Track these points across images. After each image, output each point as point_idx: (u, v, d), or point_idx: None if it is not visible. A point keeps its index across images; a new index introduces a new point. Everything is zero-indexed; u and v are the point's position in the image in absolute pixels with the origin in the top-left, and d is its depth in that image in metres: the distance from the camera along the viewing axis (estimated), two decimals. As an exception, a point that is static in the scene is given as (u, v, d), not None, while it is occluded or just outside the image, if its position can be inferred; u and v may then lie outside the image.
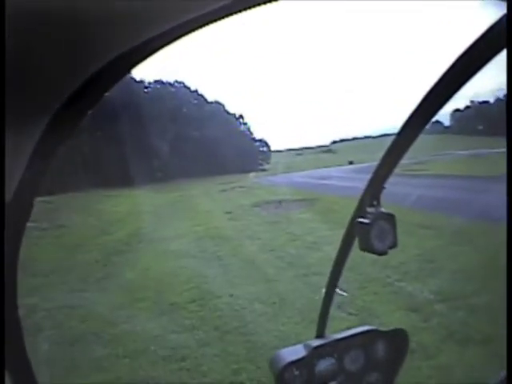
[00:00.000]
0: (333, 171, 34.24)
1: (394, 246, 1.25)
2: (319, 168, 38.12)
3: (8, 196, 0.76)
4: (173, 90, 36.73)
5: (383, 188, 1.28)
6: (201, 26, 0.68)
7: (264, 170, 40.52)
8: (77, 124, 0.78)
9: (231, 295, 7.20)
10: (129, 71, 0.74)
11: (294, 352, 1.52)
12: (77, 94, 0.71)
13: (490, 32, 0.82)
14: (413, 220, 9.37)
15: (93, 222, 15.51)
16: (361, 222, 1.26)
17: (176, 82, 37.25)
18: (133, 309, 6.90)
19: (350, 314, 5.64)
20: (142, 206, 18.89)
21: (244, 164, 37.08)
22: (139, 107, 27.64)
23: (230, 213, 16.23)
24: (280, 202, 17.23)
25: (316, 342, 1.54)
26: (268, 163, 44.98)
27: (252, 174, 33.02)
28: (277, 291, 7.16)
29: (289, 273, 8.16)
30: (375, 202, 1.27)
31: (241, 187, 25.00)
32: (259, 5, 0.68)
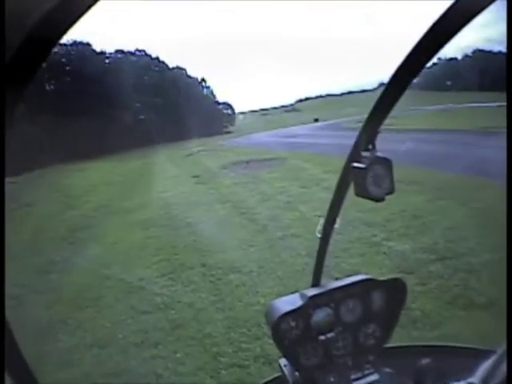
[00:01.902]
0: (299, 129, 34.56)
1: (391, 192, 1.22)
2: (285, 127, 38.21)
3: None
4: (134, 58, 37.65)
5: (378, 132, 1.22)
6: None
7: (229, 133, 40.51)
8: (29, 78, 0.65)
9: (204, 265, 6.73)
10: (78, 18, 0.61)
11: (289, 302, 1.48)
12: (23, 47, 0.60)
13: None
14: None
15: (58, 198, 15.06)
16: (356, 167, 1.22)
17: (137, 50, 38.28)
18: (100, 288, 6.48)
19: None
20: (106, 177, 18.90)
21: (208, 127, 37.40)
22: (101, 78, 28.62)
23: (197, 177, 15.96)
24: (248, 162, 17.13)
25: (312, 292, 1.48)
26: (233, 125, 45.27)
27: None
28: (254, 258, 6.69)
29: (265, 236, 7.72)
30: (370, 147, 1.22)
31: (206, 150, 24.48)
32: None
